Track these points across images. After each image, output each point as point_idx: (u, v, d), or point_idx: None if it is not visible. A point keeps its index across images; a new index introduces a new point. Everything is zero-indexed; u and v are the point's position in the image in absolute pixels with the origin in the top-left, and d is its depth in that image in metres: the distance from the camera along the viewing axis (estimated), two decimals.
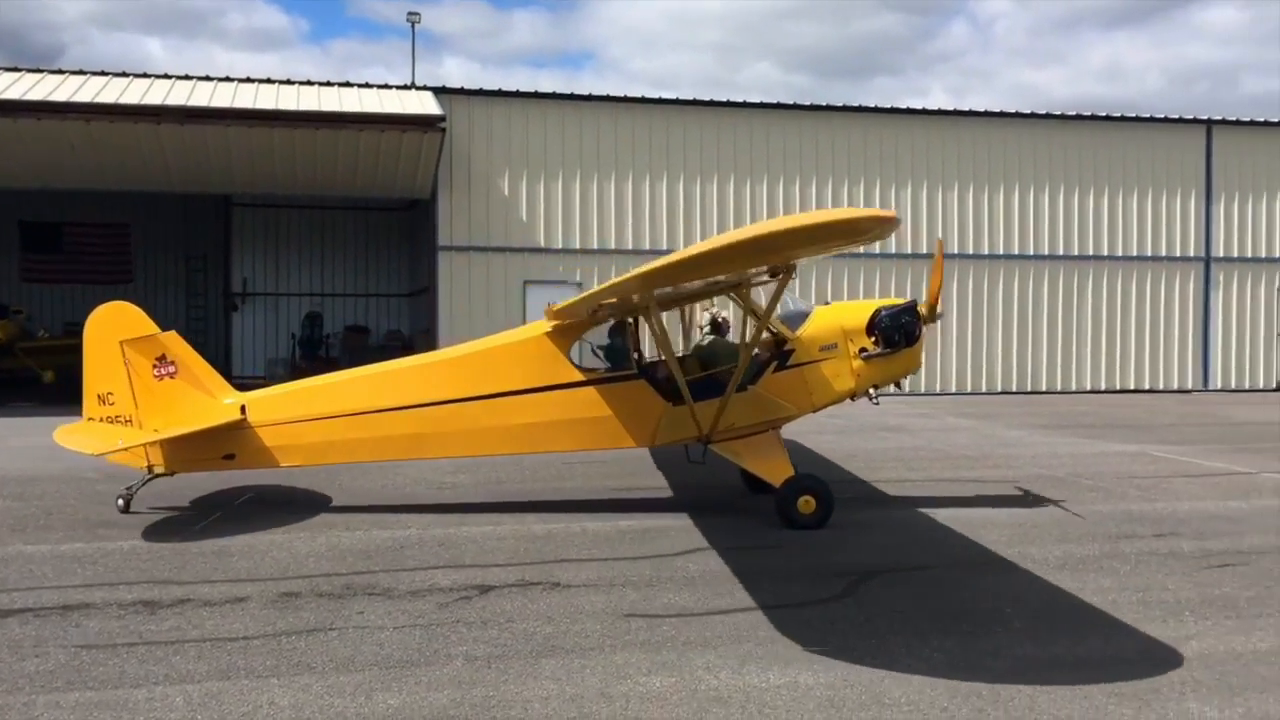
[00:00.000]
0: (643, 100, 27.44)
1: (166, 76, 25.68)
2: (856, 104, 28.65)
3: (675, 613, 7.67)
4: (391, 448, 11.16)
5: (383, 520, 10.97)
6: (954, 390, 27.87)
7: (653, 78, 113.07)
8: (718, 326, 12.19)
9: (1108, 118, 29.67)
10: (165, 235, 36.10)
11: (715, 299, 12.48)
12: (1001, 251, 28.82)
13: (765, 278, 10.82)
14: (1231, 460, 15.57)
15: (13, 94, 22.79)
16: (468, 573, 8.81)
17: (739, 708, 5.88)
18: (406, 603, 7.90)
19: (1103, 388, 29.30)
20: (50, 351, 29.63)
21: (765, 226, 7.70)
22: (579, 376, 11.20)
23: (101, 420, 10.95)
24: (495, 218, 26.43)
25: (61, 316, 34.11)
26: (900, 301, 11.64)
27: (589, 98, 27.22)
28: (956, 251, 28.23)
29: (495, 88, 26.70)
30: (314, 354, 32.87)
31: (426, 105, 25.04)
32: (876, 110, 28.73)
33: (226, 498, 12.03)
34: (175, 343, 11.07)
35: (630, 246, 26.91)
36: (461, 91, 26.47)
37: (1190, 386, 29.80)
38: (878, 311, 11.36)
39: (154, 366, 10.88)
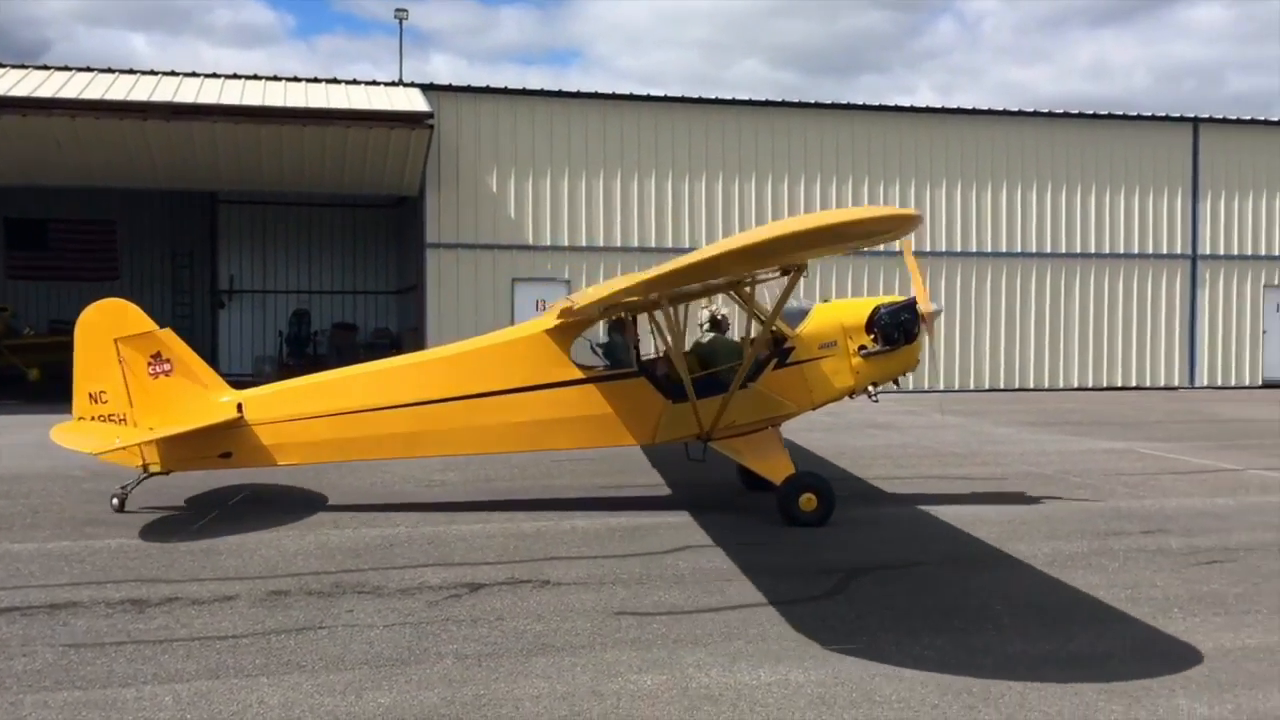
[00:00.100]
0: (631, 97, 27.42)
1: (152, 73, 25.55)
2: (845, 101, 28.74)
3: (665, 610, 7.67)
4: (391, 446, 11.08)
5: (372, 518, 10.94)
6: (942, 387, 27.92)
7: (640, 75, 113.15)
8: (717, 324, 12.17)
9: (1095, 116, 29.78)
10: (151, 232, 35.91)
11: (716, 296, 12.49)
12: (989, 249, 28.90)
13: (770, 275, 10.83)
14: (1218, 457, 15.64)
15: None
16: (457, 571, 8.79)
17: (730, 705, 5.88)
18: (396, 601, 7.88)
19: (1090, 385, 29.40)
20: (36, 349, 29.48)
21: (794, 224, 7.66)
22: (579, 374, 11.18)
23: (93, 419, 10.81)
24: (483, 215, 26.39)
25: (47, 314, 33.94)
26: (900, 299, 11.66)
27: (577, 95, 27.20)
28: (944, 249, 28.31)
29: (483, 85, 26.70)
30: (301, 351, 32.77)
31: (414, 102, 24.97)
32: (865, 108, 28.80)
33: (220, 497, 11.95)
34: (171, 340, 10.98)
35: (619, 244, 26.90)
36: (449, 88, 26.41)
37: (1177, 384, 29.94)
38: (877, 309, 11.40)
39: (149, 364, 10.76)
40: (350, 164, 25.42)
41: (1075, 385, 29.31)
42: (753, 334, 10.95)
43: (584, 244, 26.85)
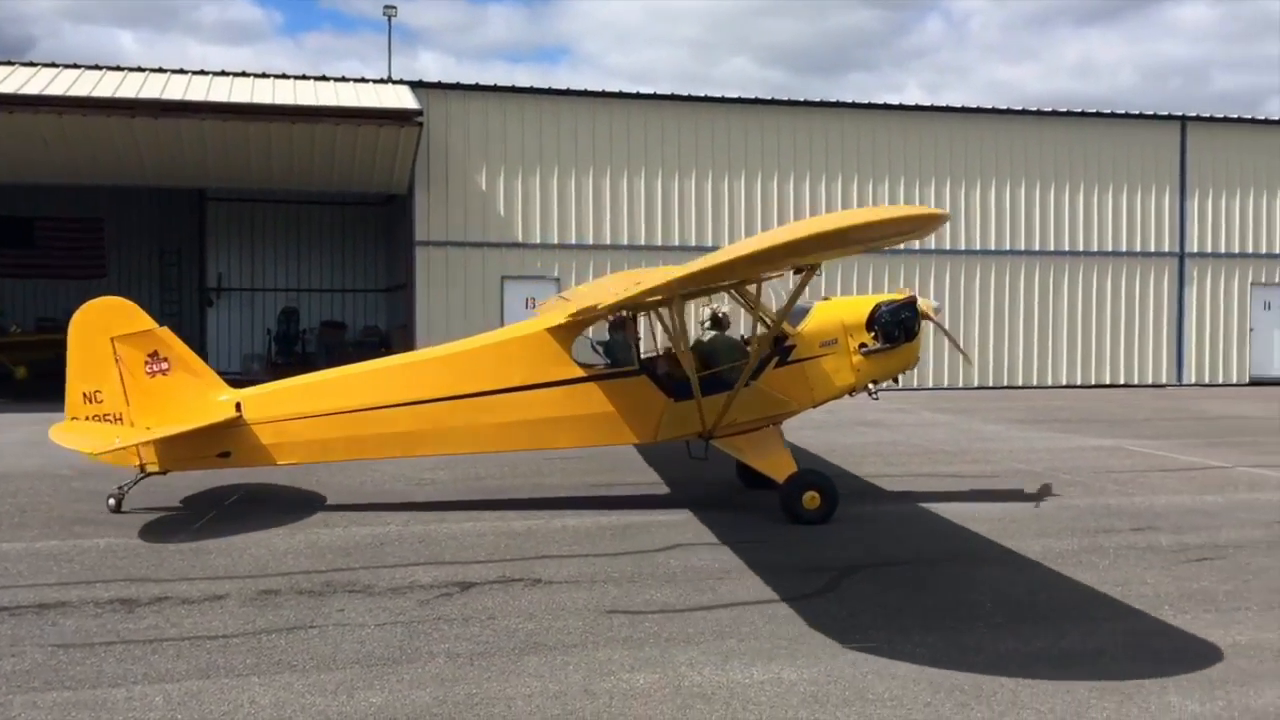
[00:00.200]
0: (620, 95, 27.39)
1: (140, 69, 25.39)
2: (834, 100, 28.74)
3: (657, 609, 7.66)
4: (393, 445, 11.01)
5: (361, 517, 10.91)
6: (930, 385, 27.94)
7: (629, 73, 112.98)
8: (718, 321, 12.15)
9: (1083, 114, 29.85)
10: (139, 230, 35.71)
11: (720, 294, 12.47)
12: (978, 247, 28.93)
13: (775, 274, 10.82)
14: (1206, 455, 15.70)
15: None
16: (448, 569, 8.77)
17: (722, 704, 5.87)
18: (387, 600, 7.86)
19: (1078, 382, 29.47)
20: (23, 347, 29.34)
21: (824, 223, 7.62)
22: (581, 373, 11.16)
23: (87, 419, 10.67)
24: (473, 213, 26.32)
25: (34, 312, 33.77)
26: (900, 297, 11.68)
27: (567, 92, 27.15)
28: (933, 247, 28.32)
29: (472, 82, 26.61)
30: (290, 350, 32.66)
31: (403, 99, 24.90)
32: (854, 106, 28.81)
33: (216, 496, 11.87)
34: (170, 338, 10.87)
35: (609, 242, 26.87)
36: (439, 86, 26.33)
37: (1164, 381, 30.03)
38: (878, 307, 11.42)
39: (147, 363, 10.64)
40: (339, 161, 25.34)
41: (1063, 383, 29.38)
42: (758, 332, 10.94)
43: (574, 242, 26.81)
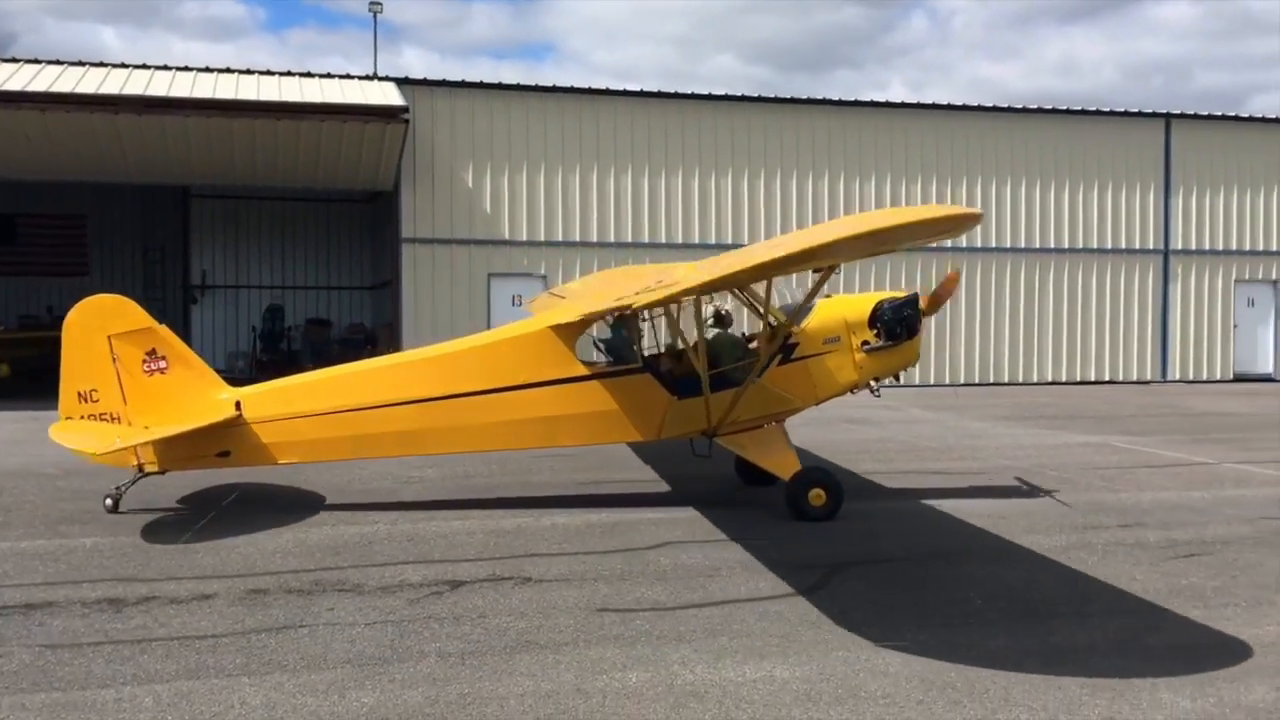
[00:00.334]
0: (607, 92, 27.36)
1: (124, 66, 25.23)
2: (820, 97, 28.71)
3: (648, 607, 7.65)
4: (395, 443, 10.92)
5: (349, 516, 10.86)
6: (917, 382, 28.00)
7: (614, 70, 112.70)
8: (721, 319, 12.13)
9: (1069, 111, 29.96)
10: (122, 227, 35.48)
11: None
12: (964, 244, 28.97)
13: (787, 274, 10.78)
14: (1192, 451, 15.77)
15: None
16: (437, 568, 8.74)
17: (715, 703, 5.86)
18: (377, 599, 7.82)
19: (1063, 379, 29.58)
20: (5, 345, 29.07)
21: (859, 223, 7.52)
22: (585, 370, 11.13)
23: (82, 419, 10.50)
24: (459, 210, 26.25)
25: (15, 310, 33.53)
26: (902, 294, 11.71)
27: (553, 89, 27.10)
28: (919, 245, 28.35)
29: (458, 79, 26.51)
30: (275, 347, 32.51)
31: (389, 96, 24.80)
32: (840, 103, 28.80)
33: (214, 496, 11.76)
34: (168, 336, 10.74)
35: (595, 239, 26.84)
36: (424, 82, 26.24)
37: (1149, 378, 30.16)
38: (880, 304, 11.44)
39: (144, 361, 10.50)
40: (324, 158, 25.22)
41: (1049, 379, 29.49)
42: (767, 329, 10.93)
43: (560, 239, 26.77)
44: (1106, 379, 29.86)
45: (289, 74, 26.06)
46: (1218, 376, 30.62)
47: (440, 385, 10.87)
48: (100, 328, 10.54)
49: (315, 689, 6.03)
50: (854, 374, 11.39)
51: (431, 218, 26.04)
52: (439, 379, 10.95)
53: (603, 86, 27.49)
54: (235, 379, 12.34)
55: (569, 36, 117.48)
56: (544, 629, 7.12)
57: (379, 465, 13.40)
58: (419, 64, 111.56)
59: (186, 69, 25.42)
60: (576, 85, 27.32)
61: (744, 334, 12.42)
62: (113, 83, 23.56)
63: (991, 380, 29.11)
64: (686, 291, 9.62)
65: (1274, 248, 31.00)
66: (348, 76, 26.23)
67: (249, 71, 25.89)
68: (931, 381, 28.40)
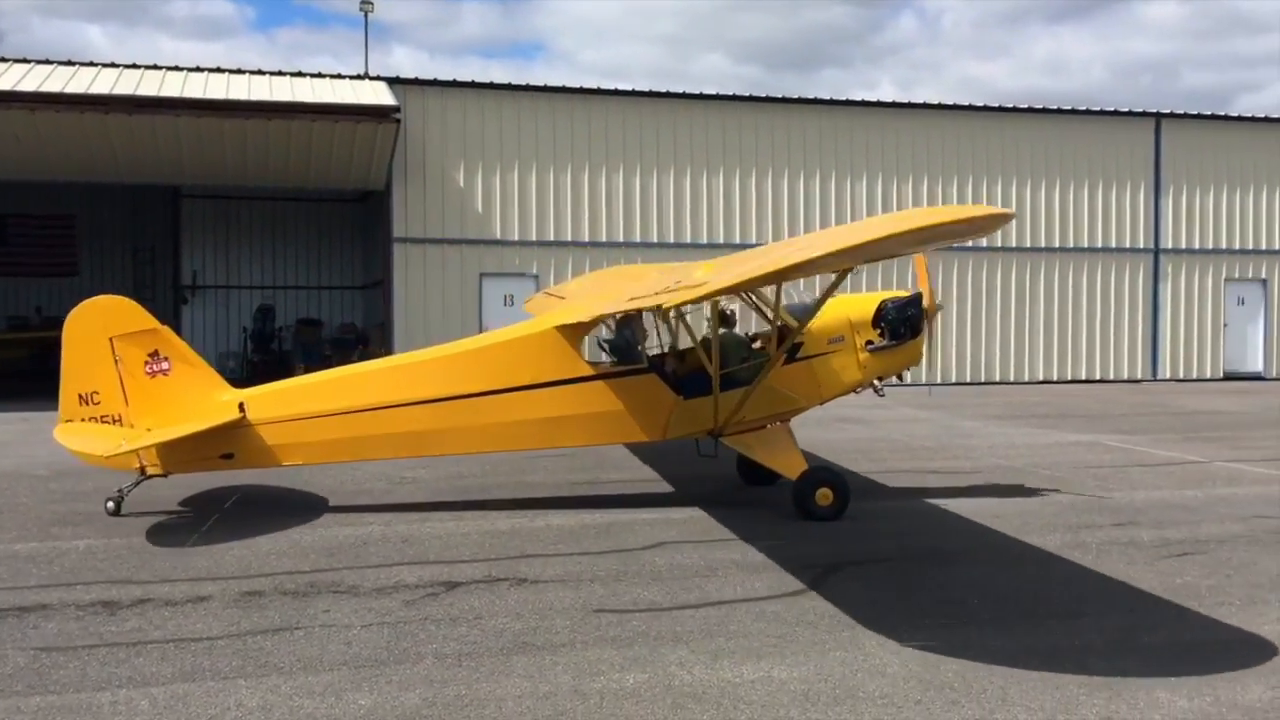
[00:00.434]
0: (597, 91, 27.34)
1: (113, 65, 25.14)
2: (810, 96, 28.72)
3: (644, 608, 7.64)
4: (399, 444, 10.86)
5: (344, 517, 10.83)
6: (909, 382, 27.99)
7: (603, 69, 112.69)
8: (725, 319, 12.12)
9: (1059, 111, 30.02)
10: (112, 227, 35.33)
11: None
12: (955, 245, 28.98)
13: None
14: (1184, 449, 15.81)
15: None
16: (433, 569, 8.72)
17: (714, 703, 5.86)
18: (373, 600, 7.80)
19: (1055, 378, 29.64)
20: None
21: (893, 223, 7.41)
22: (591, 370, 11.12)
23: (84, 421, 10.40)
24: (450, 210, 26.20)
25: (3, 310, 33.40)
26: (905, 294, 11.74)
27: (544, 89, 27.07)
28: None
29: (449, 78, 26.46)
30: (266, 348, 32.43)
31: (380, 95, 24.74)
32: (831, 102, 28.81)
33: (214, 498, 11.70)
34: (171, 338, 10.68)
35: (586, 239, 26.81)
36: (416, 82, 26.18)
37: (1140, 376, 30.24)
38: (883, 304, 11.48)
39: (147, 363, 10.40)
40: (315, 158, 25.15)
41: (1040, 378, 29.54)
42: (776, 330, 10.93)
43: (551, 238, 26.73)
44: (1097, 378, 29.92)
45: (280, 74, 25.98)
46: (1208, 375, 30.70)
47: (446, 386, 10.82)
48: (102, 329, 10.44)
49: (312, 691, 6.01)
50: (858, 373, 11.43)
51: (423, 217, 25.98)
52: (444, 380, 10.89)
53: (593, 86, 27.47)
54: (226, 379, 12.26)
55: (559, 36, 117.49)
56: (540, 630, 7.11)
57: (372, 467, 13.35)
58: (409, 63, 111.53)
59: (177, 69, 25.33)
60: (567, 85, 27.30)
61: (748, 334, 12.42)
62: (103, 82, 23.46)
63: (983, 379, 29.15)
64: (719, 291, 9.55)
65: (1264, 247, 31.12)
66: (339, 76, 26.18)
67: (239, 71, 25.81)
68: (923, 380, 28.35)
